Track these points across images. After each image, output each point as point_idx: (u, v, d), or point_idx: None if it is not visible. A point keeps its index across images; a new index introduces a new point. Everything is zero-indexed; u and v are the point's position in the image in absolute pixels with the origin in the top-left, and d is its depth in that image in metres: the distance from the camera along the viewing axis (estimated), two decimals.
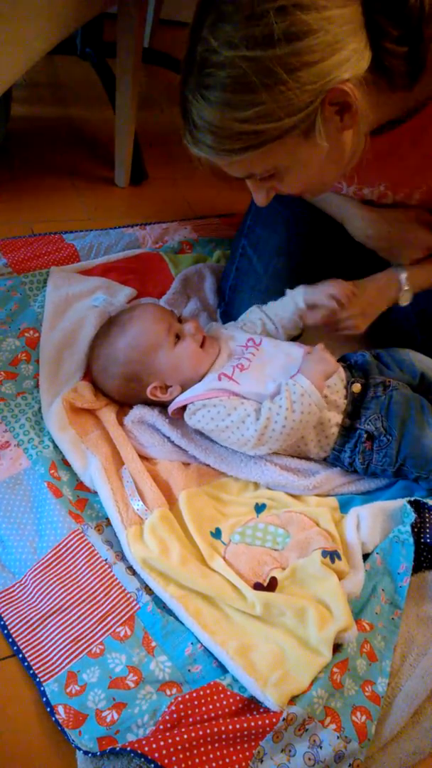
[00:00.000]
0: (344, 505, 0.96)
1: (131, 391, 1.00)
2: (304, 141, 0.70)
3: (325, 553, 0.84)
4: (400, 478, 0.98)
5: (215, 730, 0.68)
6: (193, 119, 0.70)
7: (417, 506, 0.90)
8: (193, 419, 0.95)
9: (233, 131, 0.69)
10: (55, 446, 0.96)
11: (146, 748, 0.66)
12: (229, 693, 0.73)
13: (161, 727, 0.70)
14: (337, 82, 0.65)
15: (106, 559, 0.85)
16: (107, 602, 0.81)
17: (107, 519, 0.90)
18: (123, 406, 1.04)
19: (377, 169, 0.91)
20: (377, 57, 0.67)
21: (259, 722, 0.69)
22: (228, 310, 1.17)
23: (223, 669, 0.76)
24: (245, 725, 0.69)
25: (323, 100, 0.66)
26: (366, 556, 0.88)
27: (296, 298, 1.02)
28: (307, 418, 0.91)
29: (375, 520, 0.91)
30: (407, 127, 0.82)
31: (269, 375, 0.96)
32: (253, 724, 0.69)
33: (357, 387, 0.98)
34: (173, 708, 0.71)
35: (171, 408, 0.99)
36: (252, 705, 0.73)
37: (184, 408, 0.97)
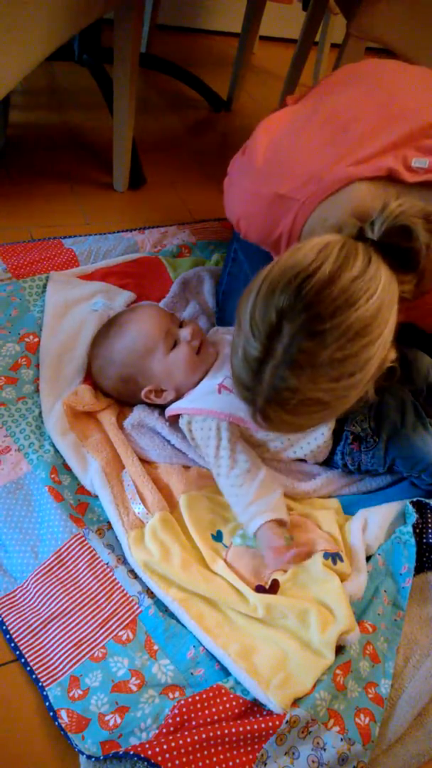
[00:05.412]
0: (347, 506, 0.96)
1: (128, 391, 1.01)
2: None
3: (327, 555, 0.84)
4: (392, 474, 0.98)
5: (218, 733, 0.68)
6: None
7: (419, 507, 0.90)
8: (185, 430, 0.95)
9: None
10: (56, 450, 0.96)
11: (149, 752, 0.66)
12: (231, 696, 0.73)
13: (164, 730, 0.70)
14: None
15: (107, 563, 0.85)
16: (109, 606, 0.81)
17: (108, 523, 0.89)
18: (123, 405, 1.04)
19: None
20: None
21: (262, 725, 0.69)
22: (221, 316, 1.17)
23: (225, 672, 0.76)
24: (248, 728, 0.69)
25: None
26: (368, 558, 0.88)
27: None
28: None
29: (384, 522, 0.91)
30: None
31: None
32: (256, 726, 0.69)
33: None
34: (176, 711, 0.71)
35: (168, 413, 0.99)
36: (255, 708, 0.73)
37: (179, 414, 0.97)
